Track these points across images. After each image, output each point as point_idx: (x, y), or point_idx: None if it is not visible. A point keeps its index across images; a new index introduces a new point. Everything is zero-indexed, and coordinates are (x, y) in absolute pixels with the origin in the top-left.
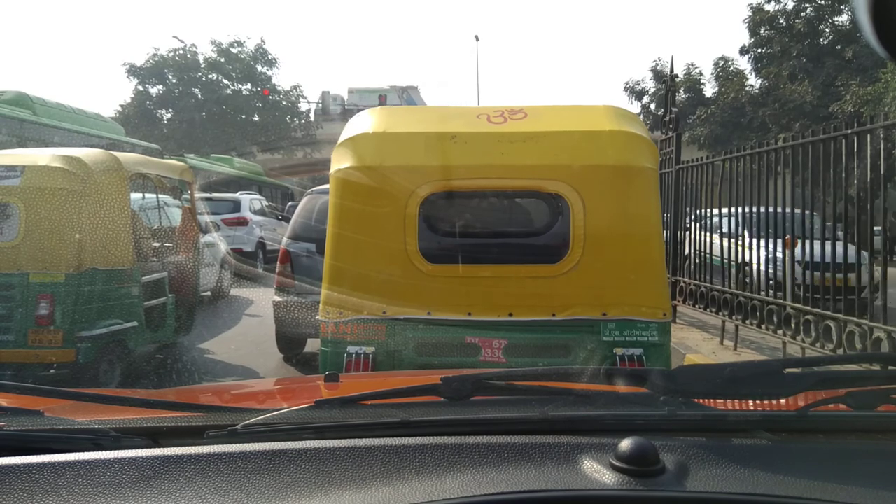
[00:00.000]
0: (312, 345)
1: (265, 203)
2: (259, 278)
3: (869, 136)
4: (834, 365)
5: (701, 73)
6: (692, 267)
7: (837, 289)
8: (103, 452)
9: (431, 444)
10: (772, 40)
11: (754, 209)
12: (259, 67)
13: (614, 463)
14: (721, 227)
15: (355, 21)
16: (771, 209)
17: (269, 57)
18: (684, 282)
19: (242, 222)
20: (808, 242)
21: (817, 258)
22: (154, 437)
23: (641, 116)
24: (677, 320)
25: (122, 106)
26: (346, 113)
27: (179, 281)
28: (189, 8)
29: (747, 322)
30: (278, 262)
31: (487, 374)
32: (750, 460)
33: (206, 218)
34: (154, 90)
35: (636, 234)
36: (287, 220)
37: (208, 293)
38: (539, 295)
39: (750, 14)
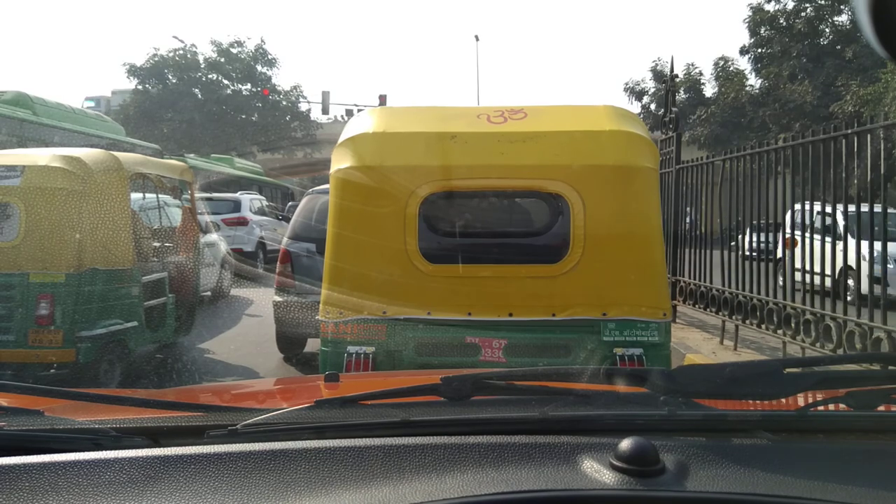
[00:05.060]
0: (312, 345)
1: (265, 203)
2: (259, 278)
3: (869, 136)
4: (834, 365)
5: (701, 73)
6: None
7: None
8: (103, 452)
9: (431, 444)
10: (772, 40)
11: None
12: (259, 67)
13: (614, 463)
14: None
15: (355, 21)
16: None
17: (269, 57)
18: (684, 281)
19: (242, 222)
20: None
21: None
22: (154, 436)
23: (641, 116)
24: (677, 320)
25: (121, 106)
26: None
27: (179, 281)
28: (189, 8)
29: (747, 322)
30: (278, 262)
31: (487, 373)
32: (750, 460)
33: (206, 218)
34: (154, 90)
35: (636, 234)
36: (287, 220)
37: (208, 293)
38: (539, 295)
39: (750, 14)
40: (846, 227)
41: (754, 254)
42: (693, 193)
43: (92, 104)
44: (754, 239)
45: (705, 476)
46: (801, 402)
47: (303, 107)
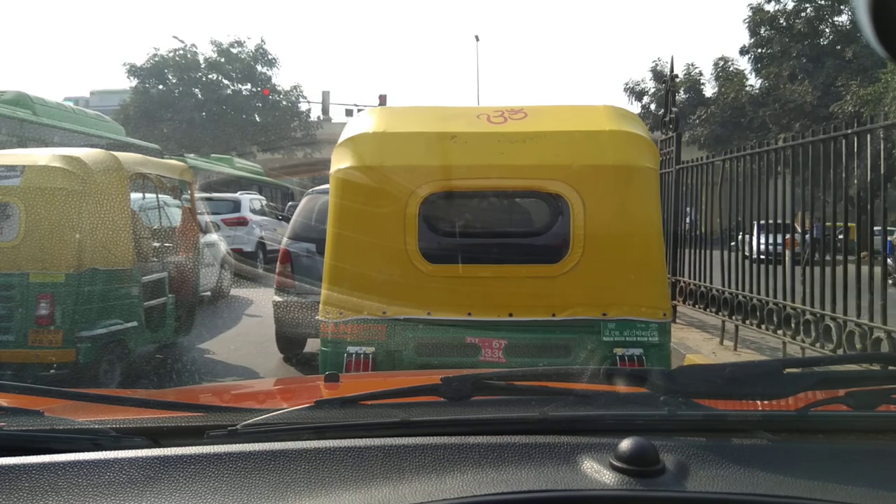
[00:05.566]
0: (312, 345)
1: (265, 203)
2: (259, 278)
3: (869, 136)
4: (834, 365)
5: (701, 73)
6: None
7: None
8: (103, 452)
9: (432, 444)
10: (772, 40)
11: None
12: (259, 67)
13: (614, 463)
14: None
15: (355, 21)
16: None
17: (269, 57)
18: (684, 282)
19: (242, 222)
20: None
21: None
22: (154, 437)
23: (641, 116)
24: (677, 320)
25: (121, 105)
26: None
27: (179, 281)
28: (189, 8)
29: (747, 322)
30: (278, 262)
31: (487, 374)
32: (750, 460)
33: (206, 218)
34: (154, 90)
35: (636, 234)
36: (287, 220)
37: (208, 293)
38: (539, 295)
39: (750, 14)
40: None
41: (762, 256)
42: (693, 193)
43: (71, 104)
44: (762, 240)
45: (705, 476)
46: (801, 402)
47: (303, 107)
